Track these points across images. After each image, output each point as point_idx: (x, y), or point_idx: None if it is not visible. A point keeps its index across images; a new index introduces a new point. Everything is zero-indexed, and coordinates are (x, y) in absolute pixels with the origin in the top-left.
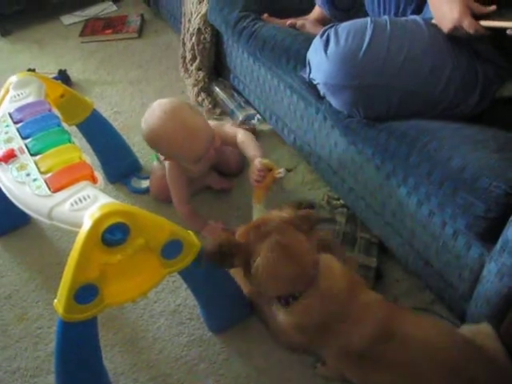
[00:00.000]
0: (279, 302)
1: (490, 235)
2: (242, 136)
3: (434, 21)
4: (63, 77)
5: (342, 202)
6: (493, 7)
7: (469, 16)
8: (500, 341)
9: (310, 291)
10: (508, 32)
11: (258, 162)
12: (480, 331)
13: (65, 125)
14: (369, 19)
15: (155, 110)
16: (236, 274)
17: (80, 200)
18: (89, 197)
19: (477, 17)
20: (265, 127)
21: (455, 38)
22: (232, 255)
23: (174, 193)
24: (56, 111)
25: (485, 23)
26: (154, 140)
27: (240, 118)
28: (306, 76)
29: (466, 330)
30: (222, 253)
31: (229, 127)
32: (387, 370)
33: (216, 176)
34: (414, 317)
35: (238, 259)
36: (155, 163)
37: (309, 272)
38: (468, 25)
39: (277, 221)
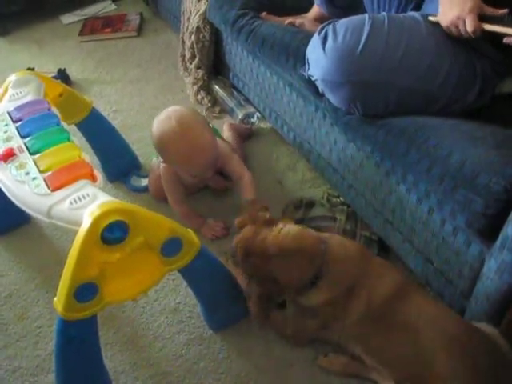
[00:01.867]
0: (306, 287)
1: (489, 232)
2: (247, 179)
3: (431, 18)
4: (62, 76)
5: (341, 199)
6: (504, 11)
7: (475, 15)
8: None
9: (327, 266)
10: (505, 40)
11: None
12: (486, 329)
13: (64, 124)
14: (367, 15)
15: (171, 118)
16: (235, 271)
17: (79, 198)
18: (88, 195)
19: (481, 19)
20: (264, 125)
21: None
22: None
23: (169, 193)
24: (55, 110)
25: (488, 27)
26: (160, 147)
27: (239, 116)
28: (305, 73)
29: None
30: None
31: (237, 161)
32: (399, 334)
33: (215, 176)
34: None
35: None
36: (154, 161)
37: (318, 251)
38: (470, 22)
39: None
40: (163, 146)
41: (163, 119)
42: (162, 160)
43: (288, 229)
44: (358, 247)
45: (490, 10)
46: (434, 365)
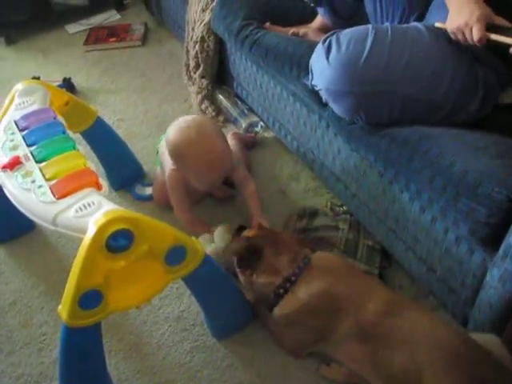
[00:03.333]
0: (278, 293)
1: (492, 241)
2: (252, 189)
3: (437, 24)
4: (68, 85)
5: (345, 208)
6: None
7: (483, 24)
8: (506, 349)
9: (305, 271)
10: (510, 51)
11: (256, 220)
12: (486, 339)
13: (69, 132)
14: (370, 26)
15: (191, 127)
16: (238, 279)
17: (84, 206)
18: (93, 203)
19: (488, 28)
20: (268, 134)
21: (455, 42)
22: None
23: (174, 201)
24: (61, 119)
25: (494, 37)
26: (177, 155)
27: (243, 126)
28: (308, 83)
29: (474, 337)
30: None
31: (244, 171)
32: (392, 349)
33: (221, 185)
34: (420, 306)
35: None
36: (158, 169)
37: (301, 256)
38: (477, 31)
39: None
40: (180, 154)
41: (183, 128)
42: (173, 167)
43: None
44: (344, 262)
45: (498, 19)
46: (429, 378)
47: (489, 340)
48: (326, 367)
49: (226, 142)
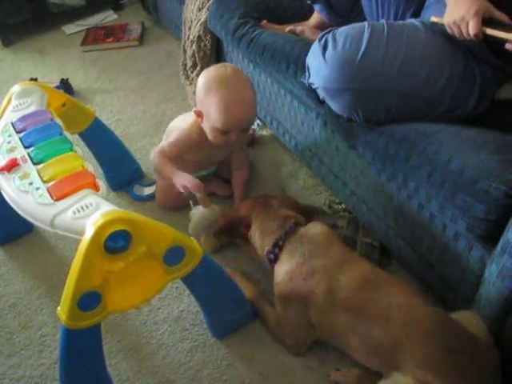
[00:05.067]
0: (270, 259)
1: (490, 237)
2: (243, 178)
3: (433, 18)
4: (65, 86)
5: (343, 206)
6: None
7: (480, 18)
8: (482, 321)
9: (290, 237)
10: (506, 46)
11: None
12: (464, 315)
13: (67, 133)
14: (366, 23)
15: (227, 67)
16: (237, 278)
17: (82, 208)
18: (91, 205)
19: (485, 23)
20: (265, 133)
21: (452, 39)
22: (238, 226)
23: (166, 168)
24: (58, 120)
25: (490, 31)
26: (206, 88)
27: None
28: (305, 81)
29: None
30: (230, 226)
31: (245, 156)
32: (369, 322)
33: (221, 183)
34: (400, 283)
35: (242, 229)
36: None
37: (289, 222)
38: (473, 25)
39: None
40: (209, 88)
41: (218, 66)
42: (196, 112)
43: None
44: (327, 230)
45: (498, 14)
46: (405, 351)
47: (466, 316)
48: (336, 372)
49: (255, 96)
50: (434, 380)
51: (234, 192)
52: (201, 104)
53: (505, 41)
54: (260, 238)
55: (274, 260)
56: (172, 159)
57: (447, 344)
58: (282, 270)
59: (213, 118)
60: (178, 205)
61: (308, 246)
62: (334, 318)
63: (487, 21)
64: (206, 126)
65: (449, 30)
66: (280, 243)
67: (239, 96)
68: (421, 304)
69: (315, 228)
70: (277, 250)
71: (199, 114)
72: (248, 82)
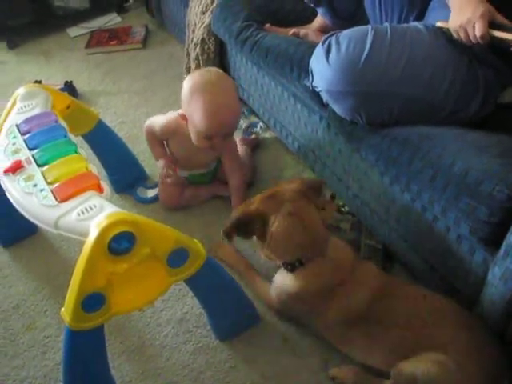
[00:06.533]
0: (286, 267)
1: (493, 240)
2: (237, 183)
3: (439, 23)
4: (69, 88)
5: (346, 208)
6: None
7: (486, 20)
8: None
9: (318, 260)
10: None
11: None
12: None
13: (71, 135)
14: (369, 26)
15: (211, 72)
16: (227, 250)
17: (86, 210)
18: (95, 206)
19: (490, 26)
20: (268, 135)
21: (455, 42)
22: (251, 224)
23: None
24: (62, 122)
25: (497, 33)
26: (190, 93)
27: (243, 126)
28: (309, 84)
29: None
30: (242, 223)
31: (237, 164)
32: (381, 327)
33: (224, 186)
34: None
35: (256, 228)
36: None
37: (320, 242)
38: (480, 27)
39: (289, 191)
40: (193, 92)
41: (202, 71)
42: (180, 112)
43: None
44: (353, 256)
45: (500, 18)
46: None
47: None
48: (336, 369)
49: (238, 100)
50: (467, 361)
51: (231, 199)
52: (185, 108)
53: (510, 44)
54: (283, 242)
55: (290, 270)
56: (161, 141)
57: (467, 326)
58: (297, 281)
59: (196, 122)
60: (180, 205)
61: (331, 270)
62: (346, 329)
63: (493, 24)
64: (191, 130)
65: (454, 35)
66: (303, 261)
67: (222, 101)
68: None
69: (342, 252)
70: (297, 264)
71: (184, 118)
72: (231, 87)
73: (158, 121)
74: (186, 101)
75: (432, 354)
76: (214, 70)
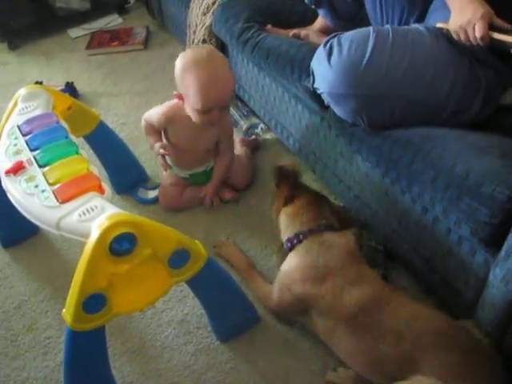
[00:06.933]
0: (286, 245)
1: (494, 241)
2: (224, 162)
3: (439, 24)
4: (70, 89)
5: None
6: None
7: (486, 22)
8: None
9: (313, 236)
10: None
11: (209, 188)
12: (464, 324)
13: (72, 136)
14: (371, 28)
15: (203, 48)
16: (230, 249)
17: (88, 211)
18: (96, 207)
19: (490, 28)
20: (269, 136)
21: (456, 43)
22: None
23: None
24: (64, 123)
25: (497, 35)
26: (184, 70)
27: (244, 127)
28: (310, 85)
29: None
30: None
31: (229, 146)
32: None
33: (224, 187)
34: (408, 299)
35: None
36: (164, 173)
37: (321, 221)
38: (480, 28)
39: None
40: (186, 70)
41: (194, 48)
42: (176, 92)
43: None
44: (350, 246)
45: (499, 22)
46: (419, 360)
47: (466, 324)
48: (332, 373)
49: (233, 73)
50: (453, 381)
51: (213, 176)
52: (180, 87)
53: (509, 46)
54: (288, 219)
55: (289, 247)
56: (158, 130)
57: (461, 349)
58: (293, 262)
59: (192, 98)
60: (181, 206)
61: (324, 252)
62: (333, 326)
63: (492, 27)
64: (188, 108)
65: (454, 36)
66: (301, 237)
67: (215, 74)
68: (431, 315)
69: (340, 239)
70: (295, 241)
71: (180, 97)
72: (223, 60)
73: (155, 111)
74: (180, 79)
75: (424, 378)
76: (206, 46)
